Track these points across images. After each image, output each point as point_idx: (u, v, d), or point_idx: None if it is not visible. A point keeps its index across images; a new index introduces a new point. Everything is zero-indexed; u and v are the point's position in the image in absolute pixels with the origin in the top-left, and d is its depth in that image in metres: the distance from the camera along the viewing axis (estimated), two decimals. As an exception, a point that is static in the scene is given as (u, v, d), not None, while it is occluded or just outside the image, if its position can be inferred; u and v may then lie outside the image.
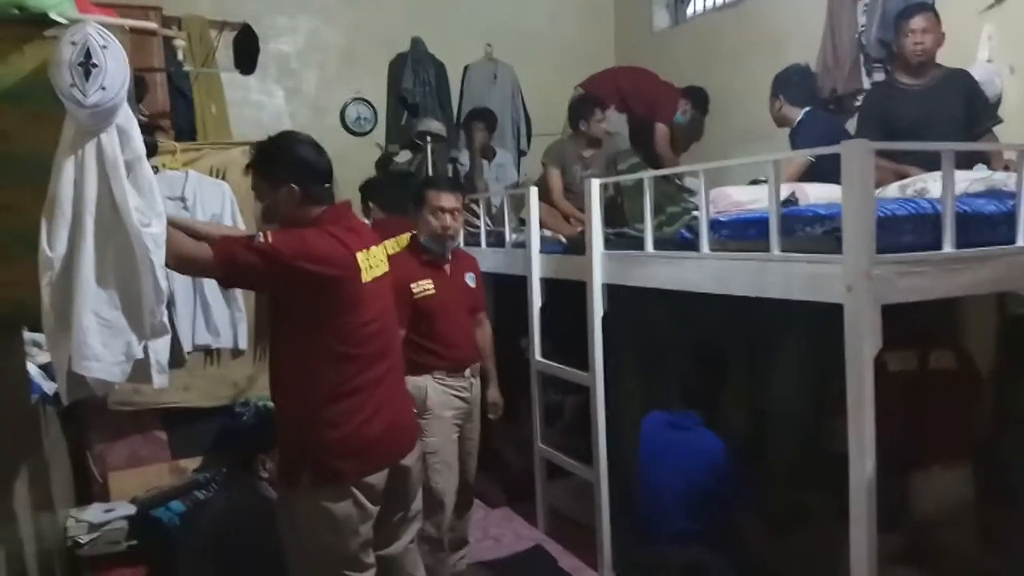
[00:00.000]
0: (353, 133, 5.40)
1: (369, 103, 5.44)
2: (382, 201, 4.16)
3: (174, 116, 4.17)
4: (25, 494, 2.32)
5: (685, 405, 2.72)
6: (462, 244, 3.57)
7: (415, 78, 5.28)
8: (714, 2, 5.41)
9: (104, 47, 1.58)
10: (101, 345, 1.63)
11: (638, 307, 3.22)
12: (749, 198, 2.76)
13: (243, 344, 3.41)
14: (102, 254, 1.63)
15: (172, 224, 1.83)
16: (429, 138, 4.93)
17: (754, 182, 3.15)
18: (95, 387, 1.71)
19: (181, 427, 3.54)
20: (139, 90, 3.26)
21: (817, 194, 2.62)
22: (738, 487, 2.59)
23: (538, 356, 3.68)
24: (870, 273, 2.02)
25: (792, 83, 3.67)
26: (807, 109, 3.60)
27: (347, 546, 2.11)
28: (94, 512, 3.16)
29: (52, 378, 2.57)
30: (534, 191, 3.65)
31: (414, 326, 2.86)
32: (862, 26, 3.91)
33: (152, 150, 2.16)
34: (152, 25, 2.71)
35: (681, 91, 5.08)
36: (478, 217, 4.23)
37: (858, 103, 3.87)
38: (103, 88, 1.56)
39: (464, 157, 5.12)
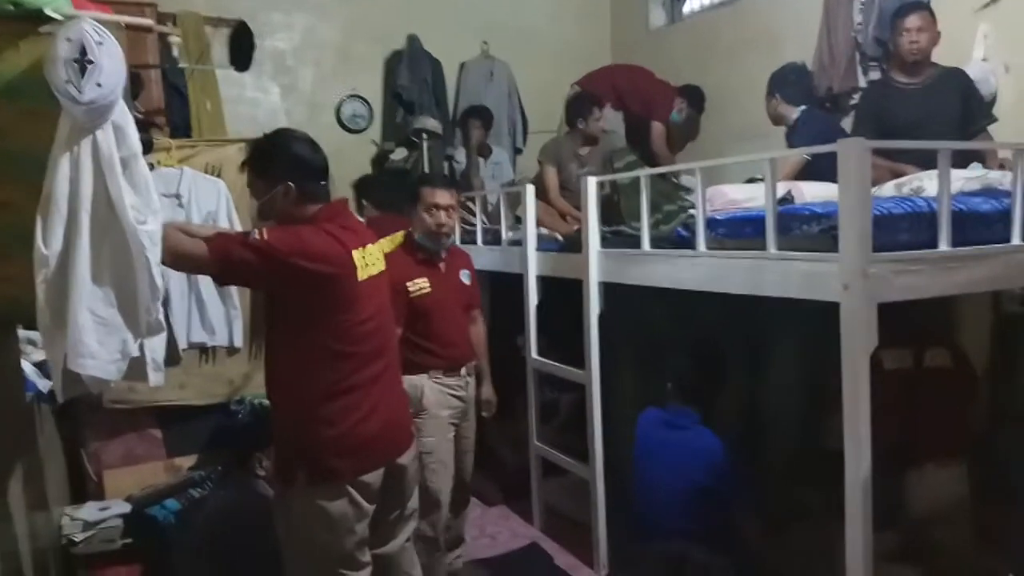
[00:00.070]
0: (349, 130, 5.38)
1: (365, 100, 5.42)
2: (376, 199, 4.17)
3: (169, 113, 4.15)
4: (20, 493, 2.31)
5: (682, 403, 2.71)
6: (458, 242, 3.57)
7: (411, 75, 5.27)
8: (711, 0, 5.41)
9: (100, 43, 1.58)
10: (97, 343, 1.63)
11: (634, 305, 3.22)
12: (745, 196, 2.76)
13: (238, 342, 3.40)
14: (98, 251, 1.63)
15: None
16: (425, 135, 4.94)
17: (750, 180, 3.15)
18: (91, 385, 1.70)
19: (176, 425, 3.54)
20: (135, 87, 3.25)
21: (813, 192, 2.63)
22: (736, 485, 2.59)
23: (534, 354, 3.68)
24: (866, 271, 2.02)
25: (788, 81, 3.67)
26: (803, 107, 3.61)
27: (343, 544, 2.11)
28: (89, 510, 3.16)
29: (47, 376, 2.56)
30: (531, 189, 3.65)
31: (410, 325, 2.86)
32: (858, 24, 3.91)
33: (148, 147, 2.15)
34: (148, 22, 2.69)
35: (677, 89, 5.08)
36: (474, 215, 4.23)
37: (854, 101, 3.88)
38: (99, 85, 1.55)
39: (460, 155, 5.12)
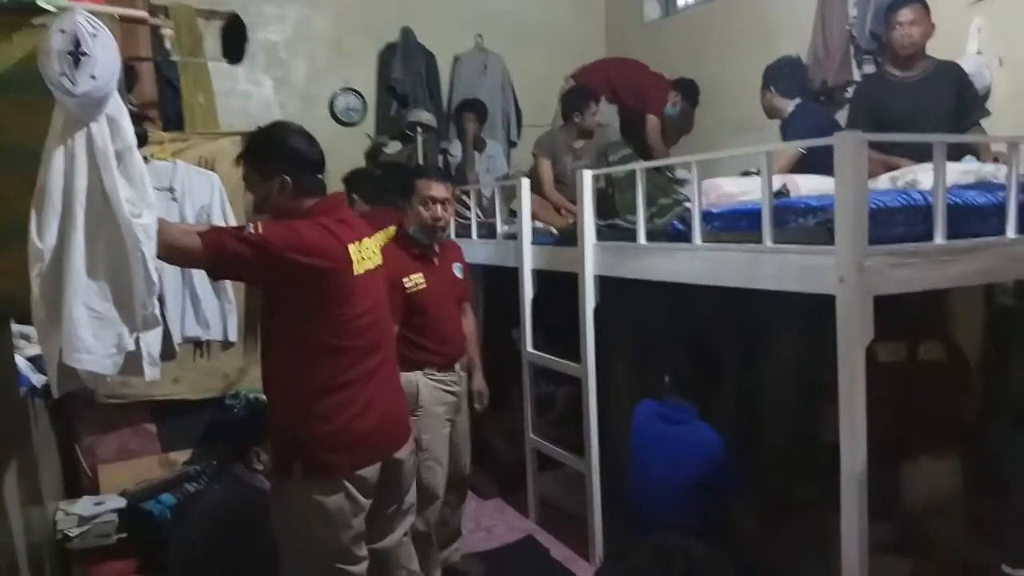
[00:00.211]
0: (343, 124, 5.36)
1: (359, 93, 5.39)
2: (366, 193, 4.15)
3: (162, 106, 4.13)
4: (14, 488, 2.30)
5: (679, 397, 2.72)
6: (453, 235, 3.56)
7: (405, 68, 5.26)
8: (705, -7, 5.41)
9: (94, 35, 1.56)
10: (92, 337, 1.61)
11: (630, 299, 3.22)
12: (740, 190, 2.76)
13: (233, 336, 3.40)
14: (92, 245, 1.61)
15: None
16: (419, 129, 4.92)
17: (745, 174, 3.15)
18: (87, 380, 1.69)
19: (171, 420, 3.53)
20: (129, 79, 3.24)
21: (808, 186, 2.63)
22: (734, 480, 2.59)
23: (530, 348, 3.68)
24: (862, 264, 2.03)
25: (783, 75, 3.67)
26: (798, 101, 3.60)
27: (339, 539, 2.11)
28: (84, 505, 3.15)
29: (41, 371, 2.56)
30: (526, 182, 3.64)
31: (405, 321, 2.82)
32: (853, 18, 3.92)
33: (142, 140, 2.14)
34: (142, 14, 2.67)
35: (672, 82, 5.08)
36: (469, 209, 4.22)
37: (848, 95, 3.88)
38: (93, 77, 1.54)
39: (455, 148, 5.10)
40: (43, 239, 1.57)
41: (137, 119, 2.58)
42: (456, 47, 5.56)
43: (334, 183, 3.42)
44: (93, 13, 1.60)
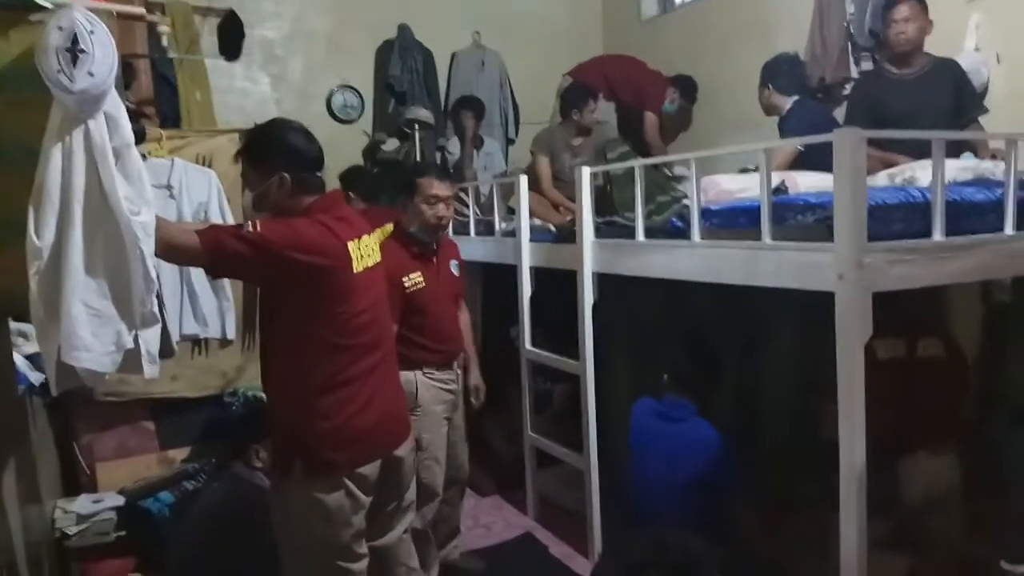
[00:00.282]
0: (340, 121, 5.35)
1: (356, 90, 5.38)
2: (362, 191, 4.14)
3: (159, 103, 4.12)
4: (12, 486, 2.30)
5: (678, 394, 2.72)
6: (451, 233, 3.55)
7: (402, 65, 5.25)
8: (702, -10, 5.40)
9: (91, 32, 1.56)
10: (91, 335, 1.61)
11: (629, 296, 3.22)
12: (738, 187, 2.76)
13: (231, 334, 3.39)
14: (91, 243, 1.61)
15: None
16: (417, 126, 4.91)
17: (743, 170, 3.15)
18: (85, 378, 1.69)
19: (169, 417, 3.52)
20: (126, 76, 3.22)
21: (807, 183, 2.63)
22: (734, 477, 2.59)
23: (528, 345, 3.68)
24: (861, 261, 2.03)
25: (781, 72, 3.67)
26: (796, 98, 3.61)
27: (339, 537, 2.10)
28: (82, 503, 3.15)
29: (39, 369, 2.55)
30: (524, 179, 3.64)
31: (404, 320, 2.81)
32: (851, 15, 3.92)
33: (140, 137, 2.14)
34: (139, 10, 2.67)
35: (670, 80, 5.08)
36: (467, 206, 4.21)
37: (846, 92, 3.89)
38: (91, 74, 1.54)
39: (452, 145, 5.10)
40: (41, 237, 1.56)
41: (135, 116, 2.57)
42: (454, 44, 5.54)
43: (331, 181, 3.41)
44: (91, 10, 1.60)
